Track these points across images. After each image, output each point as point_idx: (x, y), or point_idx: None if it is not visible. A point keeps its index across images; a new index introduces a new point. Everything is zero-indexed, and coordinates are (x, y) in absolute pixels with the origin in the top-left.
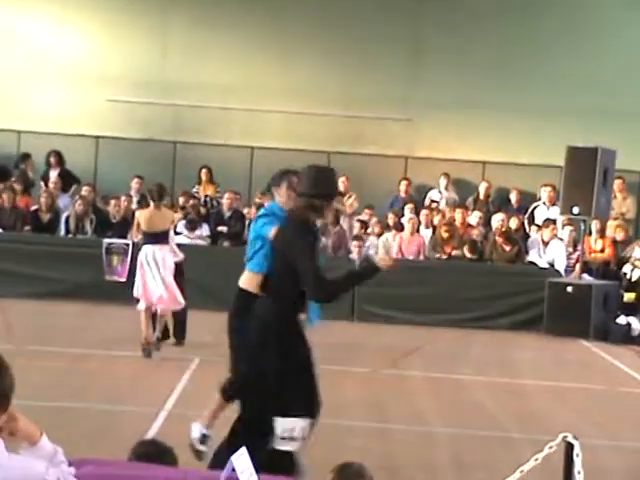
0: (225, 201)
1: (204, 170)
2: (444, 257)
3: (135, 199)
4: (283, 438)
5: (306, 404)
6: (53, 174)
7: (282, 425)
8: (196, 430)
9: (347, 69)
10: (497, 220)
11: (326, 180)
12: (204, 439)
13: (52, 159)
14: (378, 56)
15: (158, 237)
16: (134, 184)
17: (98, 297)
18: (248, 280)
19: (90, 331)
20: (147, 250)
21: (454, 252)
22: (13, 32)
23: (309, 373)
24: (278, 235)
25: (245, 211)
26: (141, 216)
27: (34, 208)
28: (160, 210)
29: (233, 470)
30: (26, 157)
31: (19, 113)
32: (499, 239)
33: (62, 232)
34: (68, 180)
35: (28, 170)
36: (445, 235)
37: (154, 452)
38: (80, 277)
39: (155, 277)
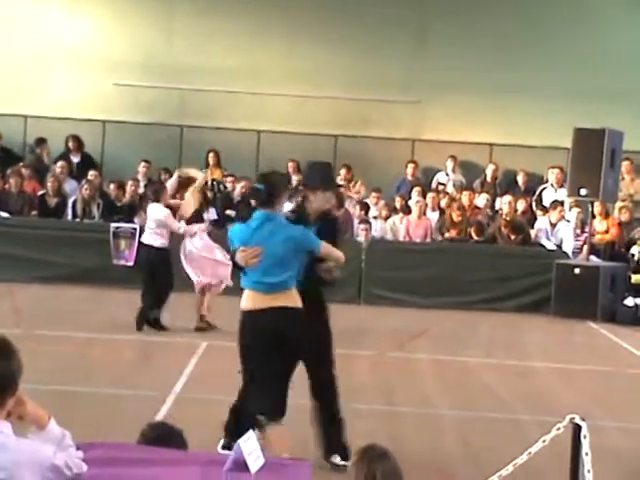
0: (237, 188)
1: (211, 154)
2: (449, 238)
3: (142, 183)
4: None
5: None
6: (75, 159)
7: None
8: None
9: (353, 52)
10: (504, 202)
11: (314, 172)
12: None
13: (71, 144)
14: (384, 39)
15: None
16: (141, 168)
17: (106, 281)
18: None
19: (98, 315)
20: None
21: (461, 235)
22: (19, 17)
23: None
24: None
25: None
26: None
27: (41, 193)
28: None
29: (241, 452)
30: (41, 142)
31: (26, 98)
32: (504, 230)
33: (69, 216)
34: (88, 165)
35: (43, 155)
36: (458, 219)
37: (164, 435)
38: (87, 261)
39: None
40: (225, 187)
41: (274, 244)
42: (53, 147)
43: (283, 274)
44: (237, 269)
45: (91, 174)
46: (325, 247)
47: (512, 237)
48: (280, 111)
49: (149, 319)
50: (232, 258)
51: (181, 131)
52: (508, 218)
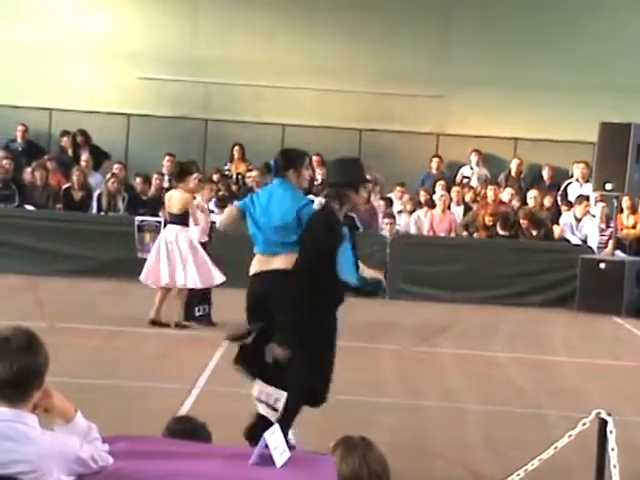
0: (249, 178)
1: (236, 147)
2: (477, 236)
3: (167, 177)
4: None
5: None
6: (84, 154)
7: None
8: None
9: (377, 46)
10: (530, 197)
11: (352, 170)
12: None
13: (79, 138)
14: (408, 33)
15: (174, 218)
16: (166, 162)
17: (130, 275)
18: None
19: (122, 308)
20: (164, 231)
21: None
22: (43, 10)
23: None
24: (307, 228)
25: None
26: (166, 196)
27: (66, 186)
28: (177, 191)
29: (266, 447)
30: (66, 134)
31: (51, 92)
32: (524, 222)
33: (94, 210)
34: (98, 156)
35: (68, 147)
36: (489, 223)
37: (188, 428)
38: (112, 255)
39: (169, 258)
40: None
41: (283, 210)
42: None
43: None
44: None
45: (116, 167)
46: None
47: (533, 232)
48: (304, 105)
49: (194, 315)
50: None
51: (205, 125)
52: (528, 213)
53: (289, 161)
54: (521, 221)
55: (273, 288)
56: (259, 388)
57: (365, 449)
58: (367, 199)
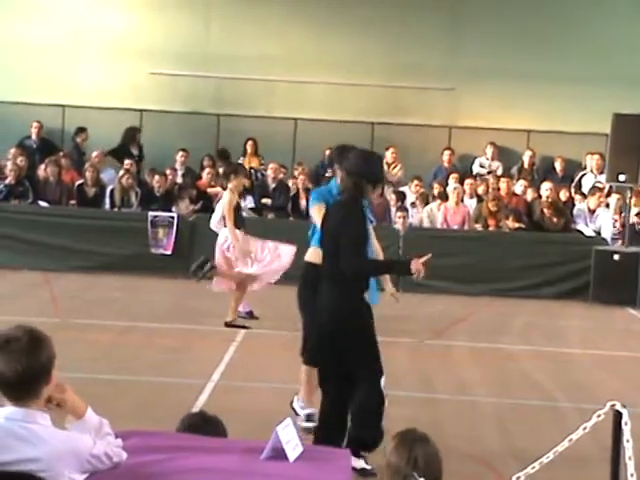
0: (269, 172)
1: (250, 142)
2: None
3: (180, 172)
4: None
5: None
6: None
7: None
8: (300, 411)
9: (389, 39)
10: (545, 189)
11: (375, 165)
12: (309, 417)
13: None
14: (419, 25)
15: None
16: (179, 157)
17: (144, 270)
18: (314, 254)
19: (136, 304)
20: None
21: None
22: (56, 6)
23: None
24: (329, 217)
25: (290, 183)
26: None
27: (79, 182)
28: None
29: (279, 441)
30: (81, 131)
31: (63, 88)
32: (547, 211)
33: (107, 206)
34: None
35: (83, 143)
36: (493, 209)
37: (203, 423)
38: (125, 250)
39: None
40: (263, 175)
41: None
42: (90, 136)
43: None
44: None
45: (127, 163)
46: None
47: (555, 220)
48: (317, 99)
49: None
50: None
51: (218, 120)
52: (552, 201)
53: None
54: (544, 210)
55: None
56: None
57: (420, 446)
58: (380, 194)
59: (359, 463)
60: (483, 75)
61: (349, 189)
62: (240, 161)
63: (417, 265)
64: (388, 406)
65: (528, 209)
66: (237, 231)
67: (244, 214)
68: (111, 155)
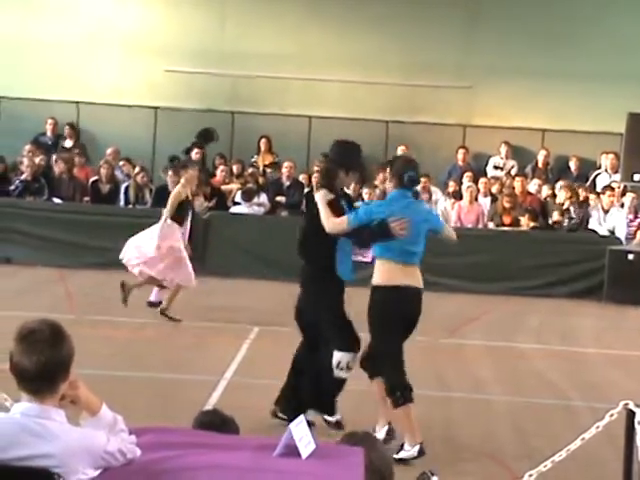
0: (284, 170)
1: (263, 140)
2: (503, 227)
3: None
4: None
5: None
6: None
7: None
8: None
9: (404, 37)
10: (559, 188)
11: (350, 152)
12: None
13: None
14: (435, 23)
15: None
16: (194, 154)
17: None
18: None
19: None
20: None
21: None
22: (71, 3)
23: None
24: (307, 201)
25: (301, 178)
26: None
27: (94, 179)
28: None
29: (292, 438)
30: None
31: (78, 84)
32: (568, 202)
33: (121, 202)
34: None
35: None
36: (507, 205)
37: (216, 421)
38: None
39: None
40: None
41: (417, 221)
42: (105, 133)
43: (419, 249)
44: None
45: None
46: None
47: (572, 211)
48: (331, 97)
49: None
50: (378, 229)
51: (232, 117)
52: (572, 189)
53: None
54: (563, 199)
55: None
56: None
57: (369, 445)
58: (360, 183)
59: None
60: (499, 73)
61: (322, 173)
62: (254, 159)
63: (394, 224)
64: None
65: (542, 208)
66: (170, 223)
67: (258, 209)
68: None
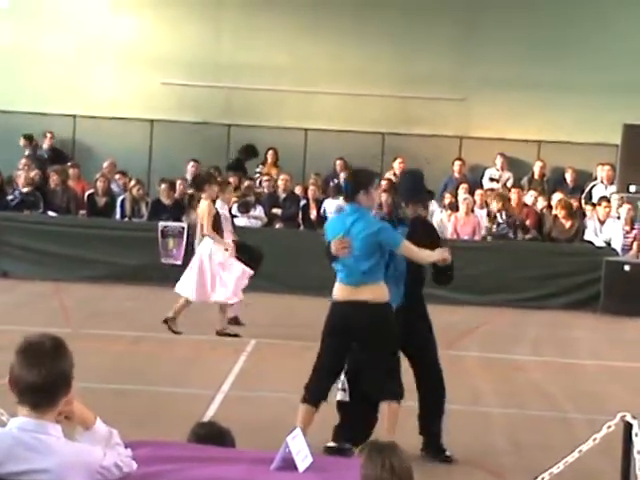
0: (280, 183)
1: (270, 152)
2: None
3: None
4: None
5: None
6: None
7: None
8: None
9: (399, 50)
10: (555, 200)
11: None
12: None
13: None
14: (430, 36)
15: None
16: (190, 167)
17: (154, 280)
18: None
19: (146, 314)
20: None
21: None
22: (68, 17)
23: None
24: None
25: (296, 190)
26: None
27: (89, 192)
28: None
29: (289, 451)
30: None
31: (74, 98)
32: (561, 212)
33: (117, 216)
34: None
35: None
36: (503, 218)
37: (213, 434)
38: (136, 260)
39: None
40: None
41: (359, 238)
42: (101, 146)
43: (367, 266)
44: (330, 260)
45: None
46: (406, 247)
47: (567, 224)
48: (327, 109)
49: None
50: (327, 249)
51: (228, 130)
52: (565, 203)
53: (359, 183)
54: (557, 211)
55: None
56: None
57: (391, 454)
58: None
59: None
60: (494, 85)
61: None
62: (258, 169)
63: (335, 245)
64: (400, 417)
65: (538, 220)
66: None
67: (255, 222)
68: (230, 170)
